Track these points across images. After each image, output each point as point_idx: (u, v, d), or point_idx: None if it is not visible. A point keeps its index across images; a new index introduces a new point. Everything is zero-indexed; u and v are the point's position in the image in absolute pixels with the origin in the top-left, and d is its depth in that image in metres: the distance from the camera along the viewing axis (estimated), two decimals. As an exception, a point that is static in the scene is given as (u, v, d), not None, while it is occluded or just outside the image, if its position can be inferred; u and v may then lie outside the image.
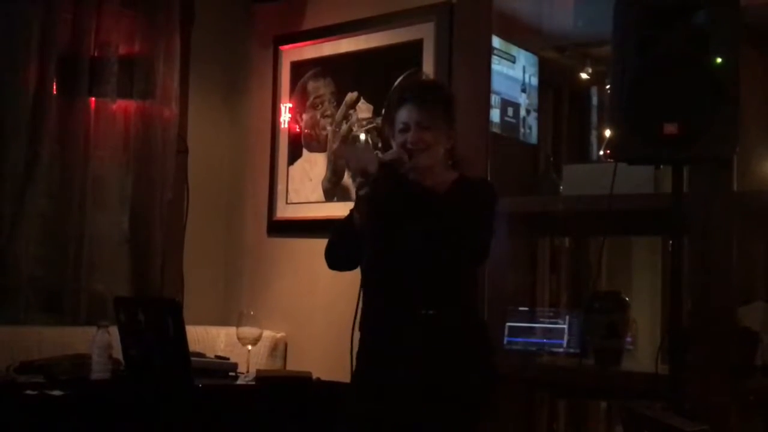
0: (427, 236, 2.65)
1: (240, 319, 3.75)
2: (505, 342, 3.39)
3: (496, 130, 3.46)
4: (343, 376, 2.86)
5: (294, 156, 4.37)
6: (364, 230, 2.75)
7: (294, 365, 4.12)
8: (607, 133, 3.47)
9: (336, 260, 2.89)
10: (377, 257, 2.75)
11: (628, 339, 3.21)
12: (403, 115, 2.78)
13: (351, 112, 4.15)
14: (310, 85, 4.33)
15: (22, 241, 3.82)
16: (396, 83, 3.83)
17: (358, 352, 2.77)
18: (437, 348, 2.64)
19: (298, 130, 4.37)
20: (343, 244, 2.85)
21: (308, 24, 4.37)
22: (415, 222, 2.67)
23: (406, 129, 2.77)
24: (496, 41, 3.47)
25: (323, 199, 4.22)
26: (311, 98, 4.33)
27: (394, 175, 2.70)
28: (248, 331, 3.70)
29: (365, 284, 2.76)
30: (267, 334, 3.97)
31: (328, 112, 4.25)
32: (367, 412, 2.71)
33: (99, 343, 3.29)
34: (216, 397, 3.37)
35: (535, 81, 3.70)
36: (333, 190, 4.19)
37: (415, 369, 2.63)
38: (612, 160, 2.93)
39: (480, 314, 2.86)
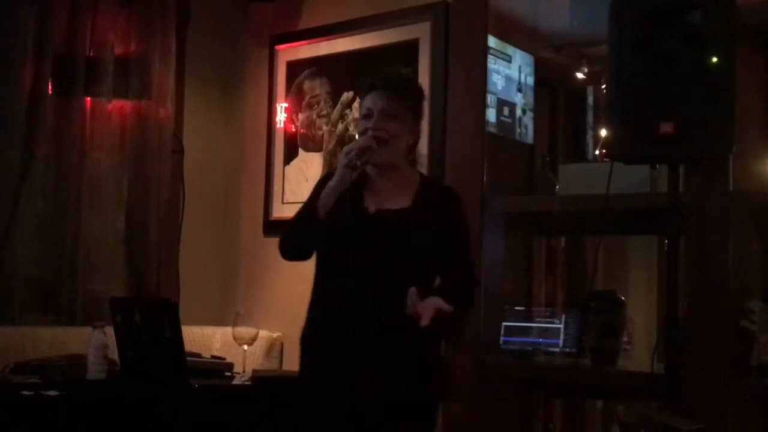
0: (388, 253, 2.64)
1: (236, 319, 3.75)
2: (501, 342, 3.39)
3: (492, 129, 3.46)
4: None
5: (290, 156, 4.37)
6: (324, 223, 2.69)
7: (290, 365, 4.11)
8: (603, 132, 3.48)
9: (291, 249, 2.83)
10: (343, 254, 2.69)
11: (625, 338, 3.21)
12: (369, 101, 2.73)
13: (347, 111, 4.15)
14: (306, 85, 4.33)
15: (17, 242, 3.82)
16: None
17: (305, 351, 2.76)
18: (381, 356, 2.61)
19: (294, 129, 4.37)
20: (302, 234, 2.79)
21: (304, 23, 4.37)
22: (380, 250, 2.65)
23: (368, 115, 2.71)
24: (492, 41, 3.47)
25: (319, 198, 4.21)
26: (307, 98, 4.32)
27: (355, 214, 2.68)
28: (244, 331, 3.70)
29: (325, 276, 2.74)
30: (263, 334, 3.97)
31: (324, 112, 4.25)
32: (316, 414, 2.70)
33: (95, 344, 3.29)
34: (212, 397, 3.37)
35: (531, 80, 3.70)
36: (329, 190, 4.18)
37: (357, 373, 2.60)
38: (608, 160, 2.93)
39: None
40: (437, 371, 2.76)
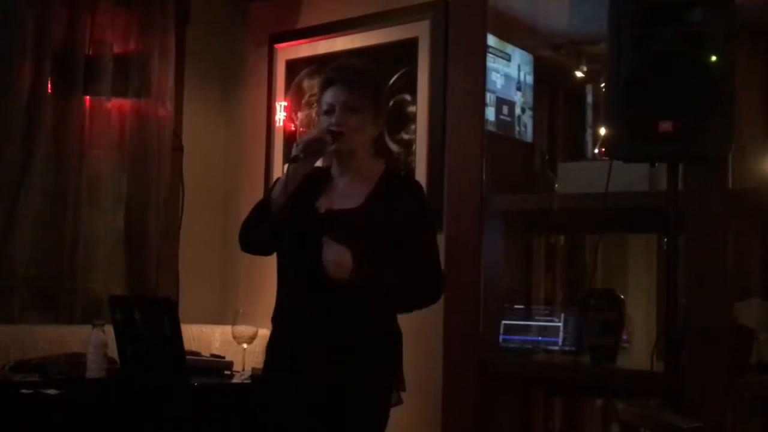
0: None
1: (235, 317, 3.75)
2: (500, 340, 3.39)
3: (491, 128, 3.46)
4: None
5: (289, 154, 4.35)
6: (279, 217, 2.66)
7: (290, 364, 4.11)
8: (602, 131, 3.48)
9: (248, 243, 2.81)
10: (289, 255, 2.70)
11: (624, 336, 3.22)
12: (329, 96, 2.67)
13: (346, 110, 4.14)
14: (306, 84, 4.33)
15: (17, 240, 3.81)
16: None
17: (268, 345, 2.76)
18: (340, 355, 2.59)
19: (293, 128, 4.37)
20: (256, 228, 2.76)
21: (303, 22, 4.37)
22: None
23: (330, 110, 2.66)
24: (491, 39, 3.47)
25: (319, 197, 4.21)
26: (306, 96, 4.32)
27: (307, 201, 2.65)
28: (244, 329, 3.70)
29: (279, 276, 2.72)
30: (262, 332, 3.95)
31: (324, 111, 4.24)
32: (275, 416, 2.68)
33: (94, 342, 3.29)
34: (211, 395, 3.37)
35: (530, 79, 3.70)
36: (328, 189, 4.18)
37: (318, 375, 2.59)
38: (607, 158, 2.94)
39: (395, 324, 2.74)
40: (389, 374, 2.71)
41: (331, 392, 2.59)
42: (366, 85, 2.70)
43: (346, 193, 2.68)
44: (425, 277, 2.65)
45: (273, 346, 2.76)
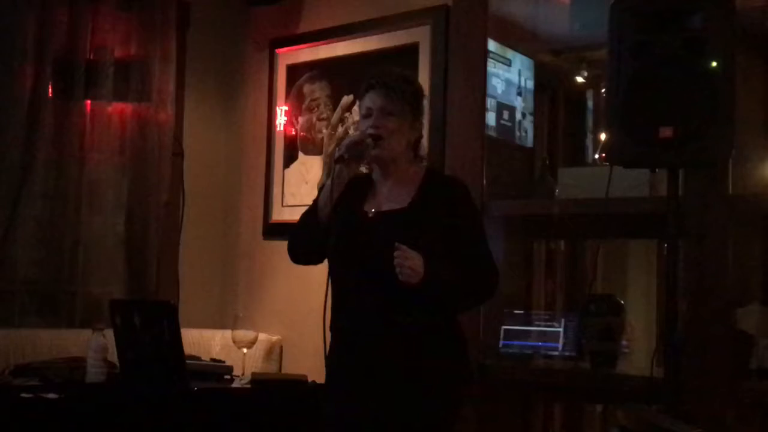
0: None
1: (235, 322, 3.75)
2: (500, 345, 3.39)
3: (491, 133, 3.46)
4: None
5: (290, 159, 4.37)
6: (327, 223, 2.67)
7: (289, 368, 4.12)
8: (603, 136, 3.48)
9: (297, 254, 2.83)
10: (343, 259, 2.70)
11: (624, 342, 3.21)
12: (368, 100, 2.73)
13: (347, 115, 4.15)
14: (306, 88, 4.33)
15: (17, 244, 3.82)
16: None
17: (328, 356, 2.74)
18: (405, 360, 2.59)
19: (294, 132, 4.37)
20: (305, 237, 2.78)
21: (304, 27, 4.38)
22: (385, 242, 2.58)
23: (369, 114, 2.72)
24: (492, 44, 3.47)
25: (319, 202, 4.21)
26: (307, 101, 4.33)
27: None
28: (244, 334, 3.70)
29: (333, 283, 2.71)
30: (262, 337, 3.97)
31: (324, 115, 4.25)
32: (339, 421, 2.68)
33: (94, 346, 3.29)
34: (211, 400, 3.37)
35: (530, 84, 3.70)
36: (329, 193, 4.18)
37: (381, 381, 2.60)
38: (607, 164, 2.93)
39: (457, 322, 2.75)
40: (454, 371, 2.70)
41: (398, 397, 2.59)
42: (404, 90, 2.75)
43: (391, 197, 2.72)
44: (481, 275, 2.69)
45: (334, 352, 2.74)
